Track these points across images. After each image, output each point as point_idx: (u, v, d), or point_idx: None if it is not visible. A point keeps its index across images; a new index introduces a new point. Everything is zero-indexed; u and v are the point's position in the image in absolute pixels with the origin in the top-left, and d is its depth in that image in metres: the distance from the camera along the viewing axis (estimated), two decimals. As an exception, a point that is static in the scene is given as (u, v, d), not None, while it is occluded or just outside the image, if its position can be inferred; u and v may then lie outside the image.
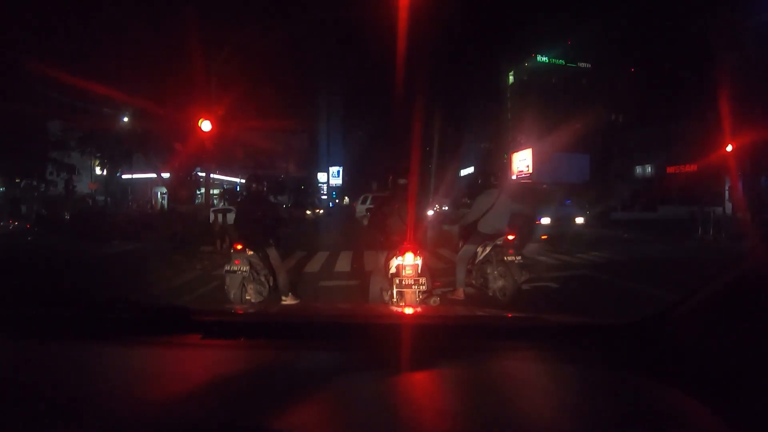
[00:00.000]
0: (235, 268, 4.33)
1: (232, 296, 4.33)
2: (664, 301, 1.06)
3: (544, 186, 18.99)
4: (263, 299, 4.51)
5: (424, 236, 4.46)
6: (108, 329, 1.15)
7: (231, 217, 7.97)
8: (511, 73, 55.82)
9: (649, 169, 30.35)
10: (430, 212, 16.51)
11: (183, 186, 17.47)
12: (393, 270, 3.94)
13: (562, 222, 12.37)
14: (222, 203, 18.36)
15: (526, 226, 8.99)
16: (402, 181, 4.29)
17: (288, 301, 4.59)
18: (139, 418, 0.71)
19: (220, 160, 16.25)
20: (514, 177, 39.08)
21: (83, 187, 26.71)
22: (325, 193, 59.18)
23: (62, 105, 16.75)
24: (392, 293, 3.85)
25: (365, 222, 8.93)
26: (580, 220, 13.33)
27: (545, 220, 11.87)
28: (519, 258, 4.85)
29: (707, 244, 11.13)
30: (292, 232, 11.51)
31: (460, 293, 4.96)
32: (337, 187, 64.42)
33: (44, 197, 24.15)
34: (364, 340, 1.12)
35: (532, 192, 14.64)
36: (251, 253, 4.50)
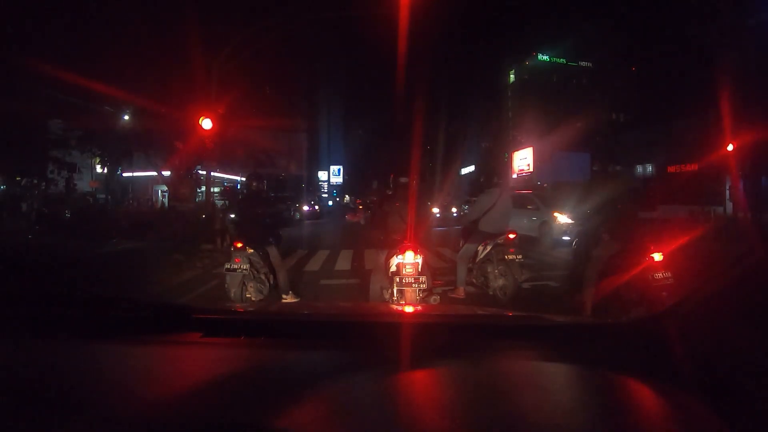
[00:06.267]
0: (236, 267, 4.33)
1: (232, 294, 4.33)
2: (665, 300, 1.06)
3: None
4: (263, 297, 4.51)
5: (425, 235, 4.47)
6: (108, 328, 1.15)
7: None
8: (512, 71, 55.76)
9: (649, 168, 30.28)
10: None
11: (183, 184, 17.46)
12: (393, 268, 3.96)
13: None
14: (224, 202, 18.36)
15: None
16: (403, 180, 4.30)
17: (288, 299, 4.59)
18: (140, 417, 0.71)
19: (221, 158, 16.22)
20: (515, 176, 39.05)
21: (84, 185, 26.70)
22: (326, 191, 59.17)
23: (63, 103, 16.73)
24: (392, 292, 3.86)
25: None
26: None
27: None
28: (520, 257, 4.85)
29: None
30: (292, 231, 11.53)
31: (460, 292, 4.96)
32: (338, 185, 64.47)
33: (45, 195, 24.12)
34: (364, 339, 1.12)
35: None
36: (251, 251, 4.51)
